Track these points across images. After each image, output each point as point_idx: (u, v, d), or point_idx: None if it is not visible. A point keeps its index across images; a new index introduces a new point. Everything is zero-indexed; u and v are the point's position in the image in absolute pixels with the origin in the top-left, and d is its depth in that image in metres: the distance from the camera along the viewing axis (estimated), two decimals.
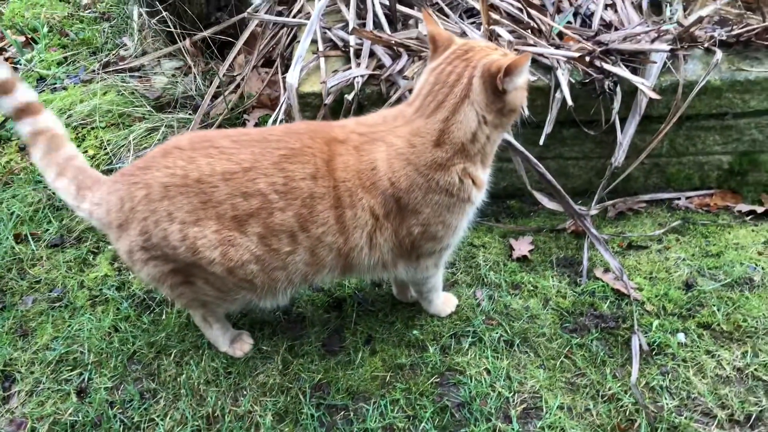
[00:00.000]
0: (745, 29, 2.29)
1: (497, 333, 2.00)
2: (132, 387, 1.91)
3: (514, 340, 1.98)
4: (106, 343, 2.04)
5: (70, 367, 1.98)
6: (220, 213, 1.59)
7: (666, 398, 1.81)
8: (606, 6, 2.75)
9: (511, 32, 2.27)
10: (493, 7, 2.44)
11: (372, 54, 2.33)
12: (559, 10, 2.69)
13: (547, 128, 2.18)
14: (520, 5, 2.47)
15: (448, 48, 1.65)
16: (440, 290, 2.02)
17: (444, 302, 2.05)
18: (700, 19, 2.32)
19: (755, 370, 1.86)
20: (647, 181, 2.54)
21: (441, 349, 1.97)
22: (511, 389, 1.85)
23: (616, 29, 2.59)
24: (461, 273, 2.23)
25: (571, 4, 2.75)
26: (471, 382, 1.87)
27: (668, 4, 2.98)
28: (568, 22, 2.66)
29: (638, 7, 2.87)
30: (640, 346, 1.92)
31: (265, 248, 1.63)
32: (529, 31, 2.36)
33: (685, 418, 1.76)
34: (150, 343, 2.03)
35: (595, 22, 2.61)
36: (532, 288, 2.16)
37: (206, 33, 2.99)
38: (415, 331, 2.02)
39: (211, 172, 1.59)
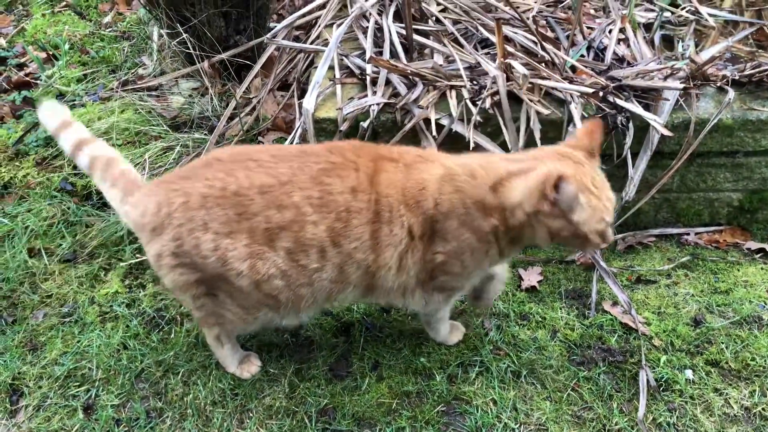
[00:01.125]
0: (757, 69, 2.31)
1: (505, 363, 2.01)
2: (139, 405, 1.92)
3: (522, 371, 1.98)
4: (115, 360, 2.05)
5: (78, 383, 1.99)
6: (253, 226, 1.61)
7: None
8: (619, 41, 2.79)
9: (524, 65, 2.30)
10: (508, 40, 2.47)
11: (388, 82, 2.37)
12: (573, 44, 2.73)
13: None
14: (534, 38, 2.51)
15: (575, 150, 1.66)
16: (447, 321, 2.03)
17: (451, 331, 2.06)
18: (712, 58, 2.34)
19: (763, 409, 1.85)
20: (657, 216, 2.55)
21: (448, 378, 1.97)
22: (518, 420, 1.85)
23: (629, 64, 2.63)
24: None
25: (584, 38, 2.79)
26: (477, 412, 1.86)
27: (680, 40, 3.02)
28: (581, 56, 2.70)
29: (650, 42, 2.92)
30: (648, 381, 1.92)
31: (293, 263, 1.65)
32: (543, 64, 2.39)
33: None
34: (158, 362, 2.04)
35: (608, 57, 2.64)
36: (540, 319, 2.16)
37: (224, 55, 3.04)
38: (422, 359, 2.02)
39: (249, 185, 1.62)
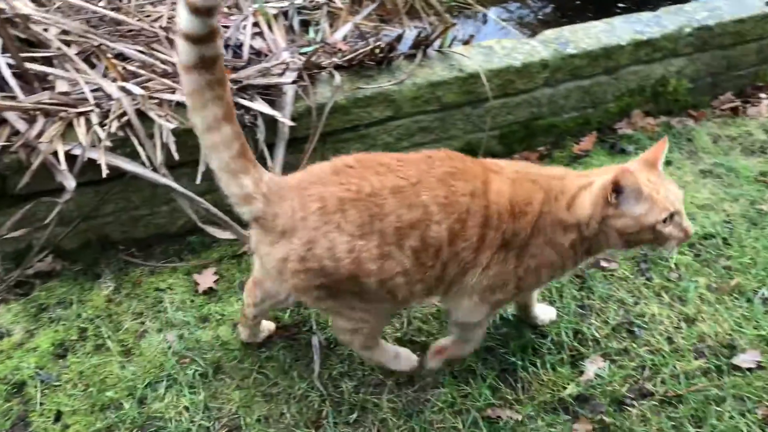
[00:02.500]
0: (355, 53, 2.68)
1: (191, 369, 2.10)
2: None
3: (208, 371, 2.10)
4: None
5: None
6: (385, 227, 1.69)
7: (346, 382, 2.09)
8: (255, 35, 2.96)
9: (147, 81, 2.35)
10: (125, 58, 2.48)
11: (4, 121, 2.23)
12: None
13: (202, 167, 2.31)
14: (159, 47, 2.57)
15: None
16: (477, 344, 2.14)
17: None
18: (317, 50, 2.65)
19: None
20: None
21: (138, 402, 2.00)
22: (211, 418, 1.97)
23: (266, 56, 2.82)
24: (149, 321, 2.27)
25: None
26: (171, 424, 1.94)
27: (315, 23, 3.33)
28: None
29: (290, 29, 3.15)
30: (319, 342, 2.18)
31: (416, 261, 1.74)
32: (168, 76, 2.46)
33: (363, 393, 2.06)
34: None
35: (245, 52, 2.81)
36: (220, 317, 2.29)
37: None
38: (108, 393, 2.02)
39: (381, 186, 1.70)
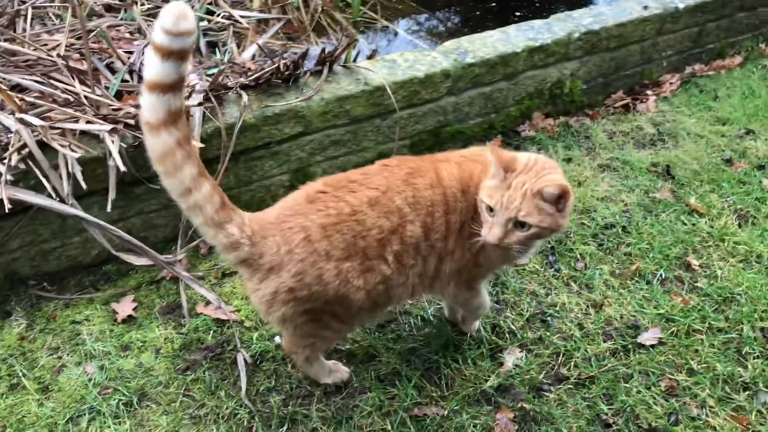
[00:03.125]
0: (261, 72, 2.72)
1: (115, 399, 2.07)
2: None
3: (133, 399, 2.07)
4: None
5: None
6: (369, 242, 1.77)
7: (274, 396, 2.11)
8: None
9: (47, 111, 2.31)
10: (22, 89, 2.42)
11: None
12: (113, 71, 2.80)
13: (111, 195, 2.29)
14: (59, 76, 2.51)
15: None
16: (486, 310, 2.28)
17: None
18: (222, 71, 2.67)
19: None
20: None
21: None
22: None
23: None
24: (67, 354, 2.21)
25: (123, 63, 2.87)
26: None
27: (222, 44, 3.33)
28: (125, 81, 2.77)
29: (197, 50, 3.15)
30: (245, 360, 2.19)
31: (398, 265, 1.84)
32: (71, 105, 2.41)
33: (292, 406, 2.08)
34: None
35: None
36: (141, 344, 2.26)
37: None
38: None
39: (359, 202, 1.78)
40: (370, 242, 1.79)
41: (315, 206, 1.80)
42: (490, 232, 1.77)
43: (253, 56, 3.22)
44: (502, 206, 1.74)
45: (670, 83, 3.92)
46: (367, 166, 1.94)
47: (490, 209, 1.77)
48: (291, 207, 1.83)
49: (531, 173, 1.77)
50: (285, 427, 2.02)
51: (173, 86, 1.45)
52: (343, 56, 2.95)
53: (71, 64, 2.68)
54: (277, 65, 2.73)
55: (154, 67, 1.41)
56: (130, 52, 2.97)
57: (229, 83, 2.69)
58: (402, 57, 3.07)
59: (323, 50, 2.81)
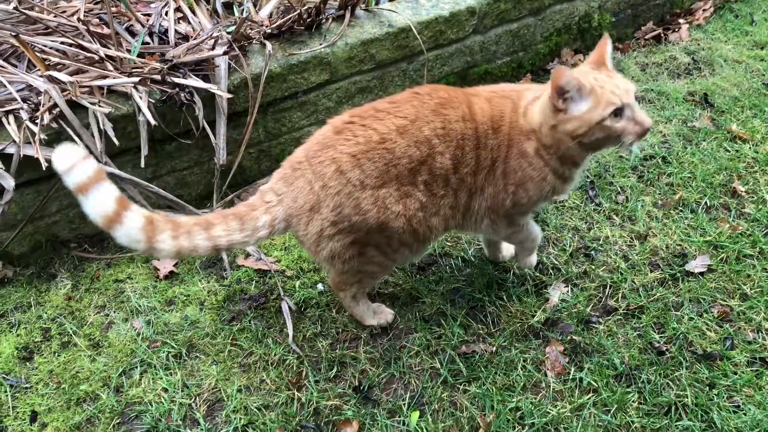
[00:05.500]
0: (283, 20, 2.66)
1: (164, 352, 2.08)
2: None
3: (182, 351, 2.08)
4: None
5: None
6: (400, 171, 1.75)
7: (321, 341, 2.11)
8: (179, 19, 2.91)
9: (75, 72, 2.28)
10: (42, 51, 2.39)
11: None
12: (133, 34, 2.77)
13: (144, 150, 2.27)
14: (80, 41, 2.48)
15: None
16: (537, 242, 2.20)
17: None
18: (243, 21, 2.61)
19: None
20: (260, 167, 2.82)
21: (115, 391, 1.98)
22: (191, 395, 1.96)
23: (195, 38, 2.77)
24: (114, 312, 2.23)
25: (143, 26, 2.84)
26: (152, 407, 1.92)
27: (239, 4, 3.28)
28: (146, 43, 2.75)
29: (214, 11, 3.09)
30: (290, 308, 2.18)
31: (429, 194, 1.82)
32: (102, 62, 2.38)
33: (339, 350, 2.08)
34: None
35: (171, 38, 2.75)
36: (185, 298, 2.27)
37: None
38: (82, 387, 1.98)
39: (387, 130, 1.75)
40: (402, 170, 1.77)
41: (342, 136, 1.78)
42: (643, 119, 1.72)
43: (271, 14, 3.15)
44: (627, 93, 1.73)
45: (703, 10, 3.77)
46: (397, 94, 1.90)
47: (615, 114, 1.70)
48: (318, 141, 1.82)
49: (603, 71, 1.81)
50: (335, 370, 2.02)
51: None
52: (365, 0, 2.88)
53: (92, 28, 2.65)
54: (298, 11, 2.66)
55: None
56: (149, 15, 2.93)
57: (251, 34, 2.63)
58: None
59: None
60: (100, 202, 1.58)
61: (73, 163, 1.54)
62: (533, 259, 2.28)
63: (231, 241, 1.75)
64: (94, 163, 1.58)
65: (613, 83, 1.73)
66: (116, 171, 2.24)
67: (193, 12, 2.94)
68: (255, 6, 3.26)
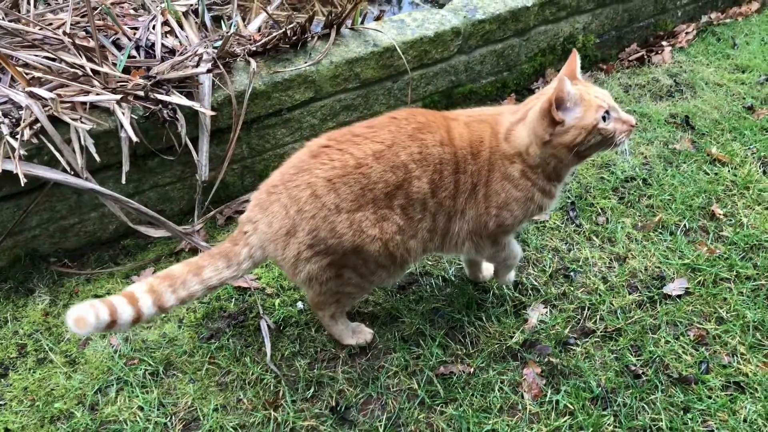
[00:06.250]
0: (268, 38, 2.67)
1: (141, 369, 2.07)
2: None
3: (159, 369, 2.07)
4: None
5: None
6: (376, 195, 1.77)
7: (299, 360, 2.11)
8: (166, 33, 2.91)
9: (57, 87, 2.28)
10: (27, 65, 2.39)
11: None
12: (119, 47, 2.77)
13: (125, 167, 2.27)
14: (64, 54, 2.49)
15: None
16: (519, 259, 2.20)
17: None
18: (229, 38, 2.62)
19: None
20: (243, 183, 2.82)
21: (89, 409, 1.96)
22: (167, 413, 1.95)
23: (181, 53, 2.77)
24: None
25: (129, 39, 2.84)
26: (127, 425, 1.91)
27: (228, 18, 3.29)
28: (132, 57, 2.74)
29: (203, 25, 3.10)
30: (268, 326, 2.18)
31: (406, 218, 1.83)
32: (80, 79, 2.39)
33: (317, 369, 2.08)
34: None
35: (158, 51, 2.75)
36: (163, 315, 2.26)
37: None
38: (57, 404, 1.97)
39: (363, 155, 1.76)
40: (378, 194, 1.79)
41: (318, 160, 1.80)
42: (628, 117, 1.84)
43: (259, 28, 3.18)
44: (607, 97, 1.82)
45: (686, 33, 3.83)
46: (375, 119, 1.92)
47: (603, 118, 1.78)
48: (294, 165, 1.84)
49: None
50: (312, 390, 2.01)
51: None
52: (350, 19, 2.90)
53: (77, 41, 2.65)
54: (284, 30, 2.68)
55: None
56: (136, 28, 2.94)
57: (236, 51, 2.65)
58: (410, 17, 3.01)
59: (330, 12, 2.76)
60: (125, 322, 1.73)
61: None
62: (512, 275, 2.30)
63: (221, 279, 1.85)
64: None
65: (593, 90, 1.83)
66: (97, 187, 2.24)
67: (181, 26, 2.94)
68: (244, 20, 3.28)
